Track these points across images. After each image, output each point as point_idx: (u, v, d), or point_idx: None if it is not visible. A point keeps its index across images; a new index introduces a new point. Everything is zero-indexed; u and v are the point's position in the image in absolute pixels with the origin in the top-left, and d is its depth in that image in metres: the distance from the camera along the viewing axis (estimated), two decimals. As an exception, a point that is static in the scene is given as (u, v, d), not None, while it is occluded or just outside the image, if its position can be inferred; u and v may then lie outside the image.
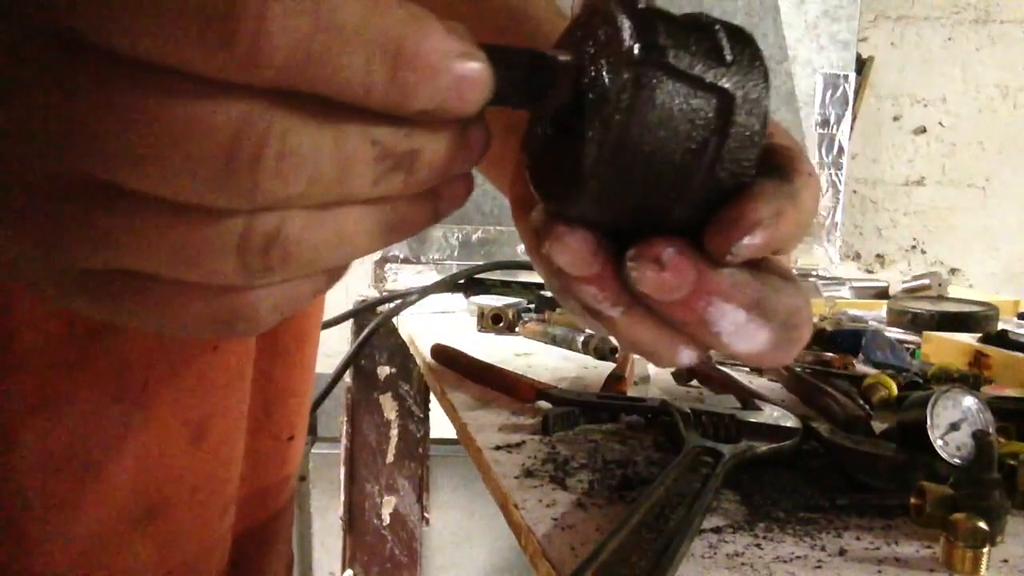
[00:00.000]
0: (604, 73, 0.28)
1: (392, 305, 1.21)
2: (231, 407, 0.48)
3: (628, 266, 0.29)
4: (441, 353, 0.89)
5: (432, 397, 1.40)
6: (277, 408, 0.55)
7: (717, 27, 0.29)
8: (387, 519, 1.50)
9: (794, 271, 0.34)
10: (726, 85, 0.29)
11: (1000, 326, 1.10)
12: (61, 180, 0.22)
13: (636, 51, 0.27)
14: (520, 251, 1.70)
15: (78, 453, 0.40)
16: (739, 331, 0.30)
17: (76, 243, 0.22)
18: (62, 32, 0.20)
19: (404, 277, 1.58)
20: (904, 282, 1.53)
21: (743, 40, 0.30)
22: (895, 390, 0.77)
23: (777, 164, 0.32)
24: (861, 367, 0.92)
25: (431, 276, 1.50)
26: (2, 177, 0.22)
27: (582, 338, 0.97)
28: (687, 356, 0.33)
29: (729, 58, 0.29)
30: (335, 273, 0.27)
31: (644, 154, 0.28)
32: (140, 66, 0.20)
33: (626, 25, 0.28)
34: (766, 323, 0.31)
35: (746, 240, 0.29)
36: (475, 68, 0.24)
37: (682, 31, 0.29)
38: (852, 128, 1.93)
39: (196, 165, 0.21)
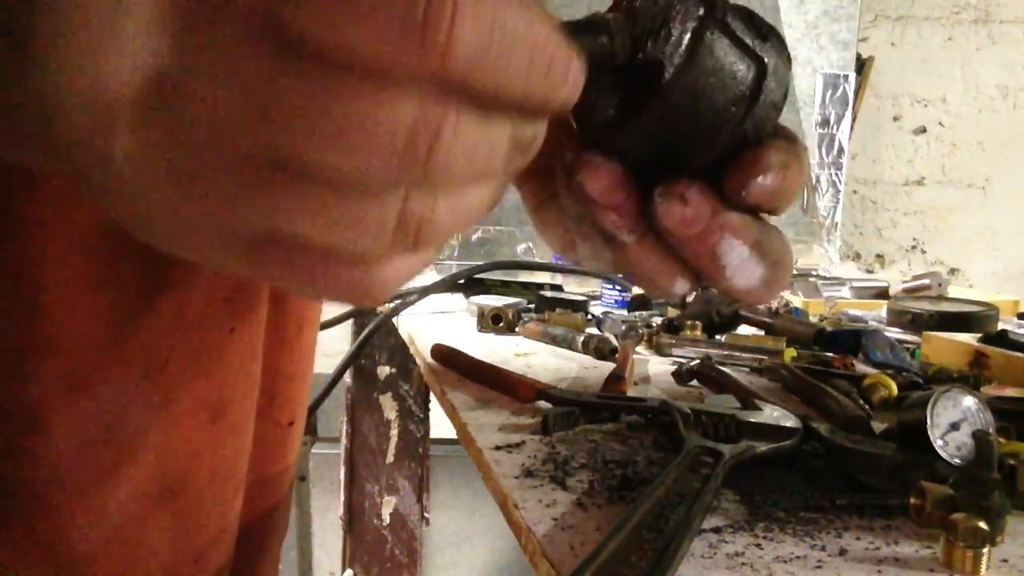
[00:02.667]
0: (672, 24, 0.33)
1: (392, 305, 1.21)
2: (245, 390, 0.50)
3: (656, 201, 0.34)
4: (441, 353, 0.89)
5: (432, 397, 1.40)
6: (279, 393, 0.56)
7: (753, 13, 0.34)
8: (387, 519, 1.50)
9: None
10: (763, 55, 0.34)
11: (1000, 326, 1.10)
12: (255, 153, 0.24)
13: (702, 10, 0.32)
14: (520, 251, 1.70)
15: (108, 432, 0.42)
16: (741, 265, 0.35)
17: (254, 209, 0.25)
18: (277, 31, 0.23)
19: (404, 277, 1.57)
20: (904, 282, 1.53)
21: (773, 28, 0.35)
22: (895, 390, 0.77)
23: (782, 133, 0.36)
24: (861, 367, 0.92)
25: (431, 276, 1.50)
26: (206, 148, 0.24)
27: (582, 338, 0.97)
28: (681, 286, 0.37)
29: (766, 35, 0.34)
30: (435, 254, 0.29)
31: (695, 95, 0.33)
32: (341, 61, 0.23)
33: None
34: (762, 261, 0.35)
35: (759, 179, 0.34)
36: (580, 68, 0.27)
37: (732, 8, 0.33)
38: (852, 128, 1.93)
39: (377, 148, 0.24)
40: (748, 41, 0.33)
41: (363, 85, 0.23)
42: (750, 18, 0.34)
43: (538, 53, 0.25)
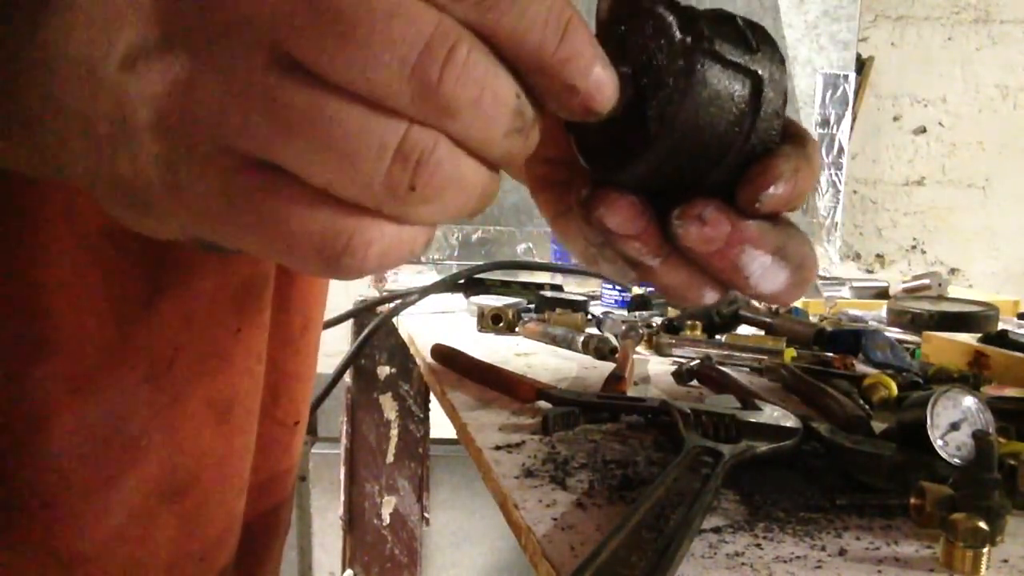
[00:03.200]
0: (660, 61, 0.33)
1: (392, 305, 1.21)
2: (251, 390, 0.50)
3: (674, 224, 0.35)
4: (441, 353, 0.89)
5: (432, 397, 1.40)
6: (283, 393, 0.56)
7: (738, 20, 0.34)
8: (387, 519, 1.50)
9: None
10: (757, 68, 0.34)
11: (1000, 326, 1.10)
12: (259, 58, 0.24)
13: (688, 41, 0.33)
14: (520, 251, 1.70)
15: (113, 432, 0.42)
16: (765, 273, 0.36)
17: (259, 114, 0.24)
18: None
19: (404, 277, 1.58)
20: (904, 282, 1.53)
21: (761, 30, 0.35)
22: (895, 390, 0.77)
23: (790, 132, 0.37)
24: (861, 367, 0.92)
25: (431, 276, 1.50)
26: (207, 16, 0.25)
27: (582, 338, 0.97)
28: (711, 296, 0.38)
29: (755, 45, 0.34)
30: (428, 238, 0.28)
31: (696, 128, 0.33)
32: None
33: (673, 20, 0.33)
34: (786, 265, 0.36)
35: (771, 190, 0.34)
36: (609, 79, 0.28)
37: (716, 24, 0.33)
38: (852, 128, 1.93)
39: (394, 50, 0.24)
40: (739, 59, 0.33)
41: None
42: (735, 29, 0.34)
43: (557, 14, 0.26)
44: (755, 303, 1.18)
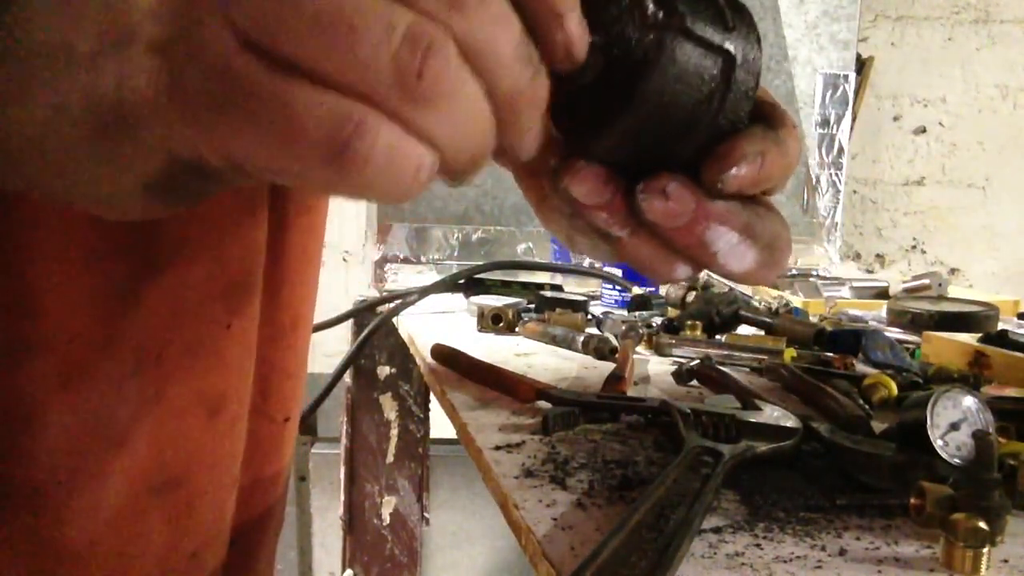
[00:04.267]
0: (632, 34, 0.33)
1: (392, 305, 1.21)
2: (242, 385, 0.50)
3: (639, 197, 0.35)
4: (441, 353, 0.89)
5: (432, 397, 1.40)
6: (274, 390, 0.56)
7: None
8: (387, 519, 1.50)
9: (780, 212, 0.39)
10: (730, 47, 0.34)
11: (1000, 326, 1.10)
12: None
13: (660, 16, 0.32)
14: (520, 251, 1.70)
15: (101, 426, 0.42)
16: (732, 251, 0.36)
17: None
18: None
19: (404, 277, 1.58)
20: (904, 282, 1.53)
21: (741, 9, 0.35)
22: (895, 390, 0.77)
23: (766, 115, 0.37)
24: (861, 367, 0.92)
25: (431, 276, 1.50)
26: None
27: (582, 338, 0.97)
28: (682, 272, 0.38)
29: (731, 24, 0.34)
30: (434, 162, 0.27)
31: (662, 104, 0.33)
32: None
33: None
34: (754, 244, 0.36)
35: (733, 171, 0.34)
36: (580, 32, 0.29)
37: (694, 0, 0.33)
38: (852, 128, 1.93)
39: None
40: (712, 37, 0.33)
41: None
42: (713, 5, 0.34)
43: None
44: (755, 303, 1.18)
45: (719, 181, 0.35)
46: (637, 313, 1.18)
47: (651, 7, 0.33)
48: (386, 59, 0.24)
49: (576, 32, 0.29)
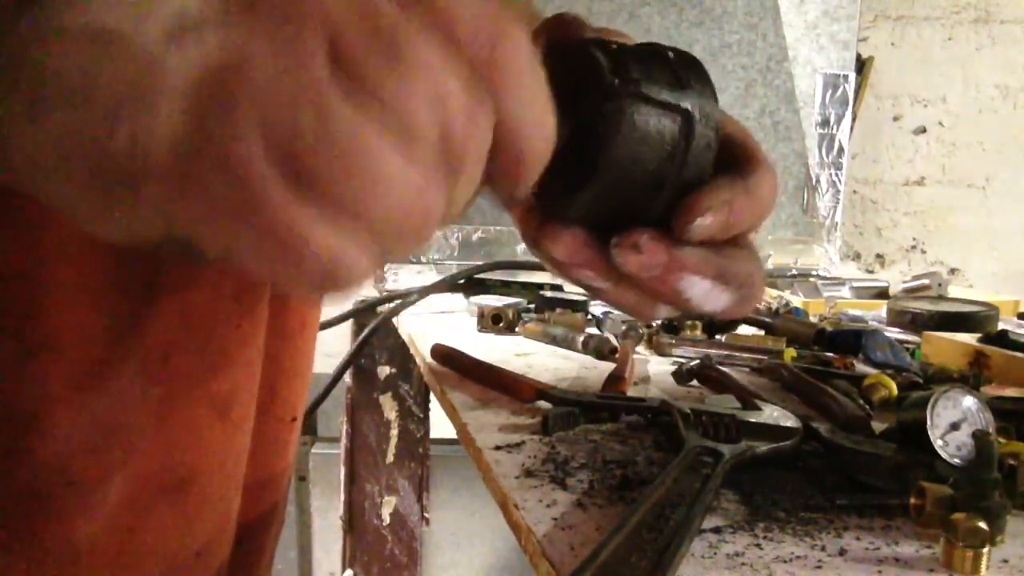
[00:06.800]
0: (593, 103, 0.35)
1: (392, 305, 1.21)
2: (251, 385, 0.50)
3: (613, 252, 0.37)
4: (441, 353, 0.89)
5: (432, 397, 1.40)
6: (281, 390, 0.56)
7: (671, 55, 0.36)
8: (387, 519, 1.50)
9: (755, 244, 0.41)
10: (686, 105, 0.35)
11: (1000, 326, 1.10)
12: (317, 47, 0.25)
13: (616, 83, 0.34)
14: (520, 251, 1.70)
15: (111, 427, 0.42)
16: (706, 295, 0.38)
17: (306, 108, 0.24)
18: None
19: (404, 277, 1.58)
20: (904, 282, 1.53)
21: (694, 65, 0.37)
22: (895, 390, 0.77)
23: (737, 159, 0.39)
24: (861, 367, 0.92)
25: (431, 276, 1.50)
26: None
27: (582, 338, 0.97)
28: (664, 312, 0.40)
29: (685, 81, 0.36)
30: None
31: (628, 168, 0.35)
32: None
33: (604, 61, 0.35)
34: (727, 287, 0.38)
35: (698, 221, 0.36)
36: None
37: (646, 63, 0.35)
38: (852, 128, 1.93)
39: (421, 101, 0.25)
40: (667, 98, 0.35)
41: None
42: (665, 66, 0.36)
43: (487, 29, 0.27)
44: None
45: (687, 232, 0.37)
46: (637, 313, 1.17)
47: (607, 76, 0.35)
48: (398, 216, 0.26)
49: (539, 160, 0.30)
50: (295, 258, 0.25)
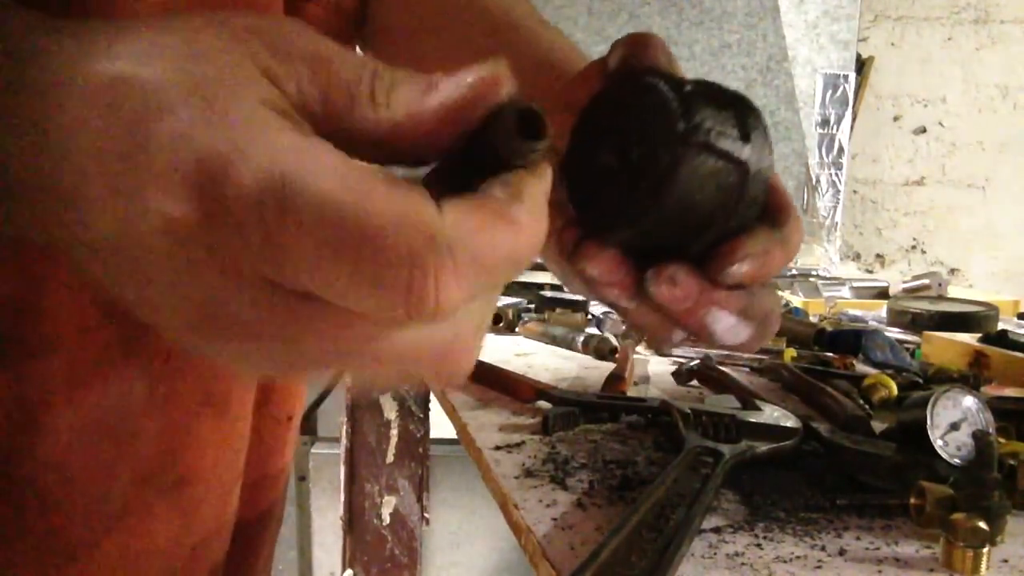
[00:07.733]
0: (656, 138, 0.35)
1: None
2: (246, 383, 0.50)
3: (648, 281, 0.38)
4: (441, 353, 0.89)
5: (432, 397, 1.40)
6: (276, 389, 0.56)
7: (739, 103, 0.37)
8: (387, 519, 1.50)
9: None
10: (746, 159, 0.36)
11: (1000, 326, 1.10)
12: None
13: (686, 130, 0.35)
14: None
15: (110, 426, 0.43)
16: (728, 330, 0.39)
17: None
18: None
19: (404, 277, 1.57)
20: (904, 282, 1.53)
21: (757, 117, 0.37)
22: (895, 390, 0.77)
23: (774, 210, 0.40)
24: (861, 367, 0.92)
25: (431, 276, 1.49)
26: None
27: (582, 338, 0.97)
28: (679, 337, 0.41)
29: (748, 134, 0.36)
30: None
31: (679, 210, 0.36)
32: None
33: (674, 102, 0.35)
34: (749, 323, 0.40)
35: (735, 267, 0.38)
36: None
37: (716, 109, 0.36)
38: (852, 128, 1.93)
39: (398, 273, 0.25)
40: (730, 149, 0.36)
41: None
42: (733, 115, 0.36)
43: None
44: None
45: (723, 276, 0.38)
46: (637, 313, 1.17)
47: (677, 120, 0.35)
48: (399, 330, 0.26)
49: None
50: (298, 362, 0.27)
